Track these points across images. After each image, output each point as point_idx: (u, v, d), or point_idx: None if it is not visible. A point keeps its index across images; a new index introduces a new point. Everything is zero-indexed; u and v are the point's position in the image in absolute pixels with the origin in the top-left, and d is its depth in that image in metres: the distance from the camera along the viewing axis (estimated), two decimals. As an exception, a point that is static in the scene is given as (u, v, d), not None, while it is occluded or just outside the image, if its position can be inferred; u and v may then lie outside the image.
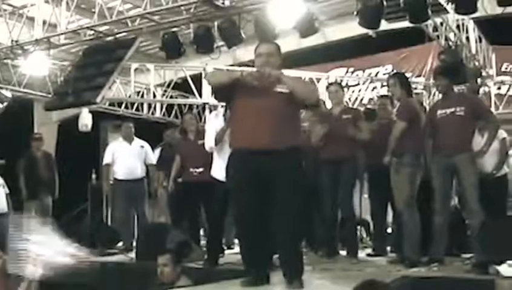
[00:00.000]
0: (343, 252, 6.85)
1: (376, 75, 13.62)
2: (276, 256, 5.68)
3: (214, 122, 6.24)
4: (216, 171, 6.14)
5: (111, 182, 8.72)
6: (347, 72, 13.92)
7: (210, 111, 11.93)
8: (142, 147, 8.56)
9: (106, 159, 8.61)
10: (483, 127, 6.23)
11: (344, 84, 13.26)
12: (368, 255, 7.03)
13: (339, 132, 6.51)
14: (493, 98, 11.55)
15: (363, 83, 13.29)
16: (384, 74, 13.38)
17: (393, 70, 12.98)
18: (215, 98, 5.13)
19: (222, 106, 6.88)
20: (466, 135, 5.83)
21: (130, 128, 8.65)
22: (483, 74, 10.72)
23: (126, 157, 8.45)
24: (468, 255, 6.02)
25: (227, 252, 7.28)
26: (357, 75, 13.80)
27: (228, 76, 4.66)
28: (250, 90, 4.38)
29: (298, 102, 4.42)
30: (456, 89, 6.39)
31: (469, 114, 5.80)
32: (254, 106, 4.37)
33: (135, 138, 8.62)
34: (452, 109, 5.82)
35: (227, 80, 4.50)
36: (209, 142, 6.20)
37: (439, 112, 5.94)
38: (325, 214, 6.70)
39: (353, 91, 13.26)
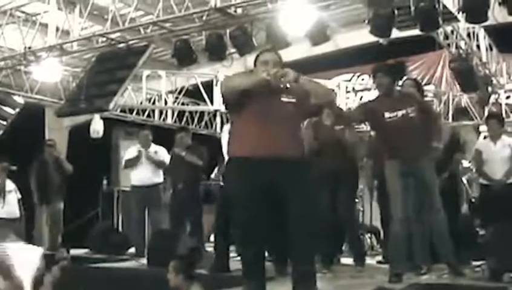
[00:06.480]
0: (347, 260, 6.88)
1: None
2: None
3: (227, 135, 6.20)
4: None
5: (127, 189, 8.81)
6: (352, 76, 13.95)
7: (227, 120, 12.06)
8: (156, 152, 8.60)
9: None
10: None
11: (350, 89, 13.34)
12: (379, 262, 7.05)
13: (333, 143, 6.45)
14: (504, 107, 11.54)
15: (374, 89, 13.25)
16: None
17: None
18: (226, 105, 4.51)
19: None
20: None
21: (147, 136, 8.74)
22: (494, 82, 10.70)
23: (141, 164, 8.53)
24: (479, 263, 5.99)
25: (237, 259, 7.29)
26: (362, 79, 13.79)
27: (251, 79, 4.25)
28: (260, 98, 4.19)
29: (306, 109, 4.32)
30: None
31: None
32: (265, 114, 4.18)
33: (152, 145, 8.70)
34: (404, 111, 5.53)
35: (251, 83, 4.19)
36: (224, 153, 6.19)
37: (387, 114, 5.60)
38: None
39: (361, 97, 13.26)
